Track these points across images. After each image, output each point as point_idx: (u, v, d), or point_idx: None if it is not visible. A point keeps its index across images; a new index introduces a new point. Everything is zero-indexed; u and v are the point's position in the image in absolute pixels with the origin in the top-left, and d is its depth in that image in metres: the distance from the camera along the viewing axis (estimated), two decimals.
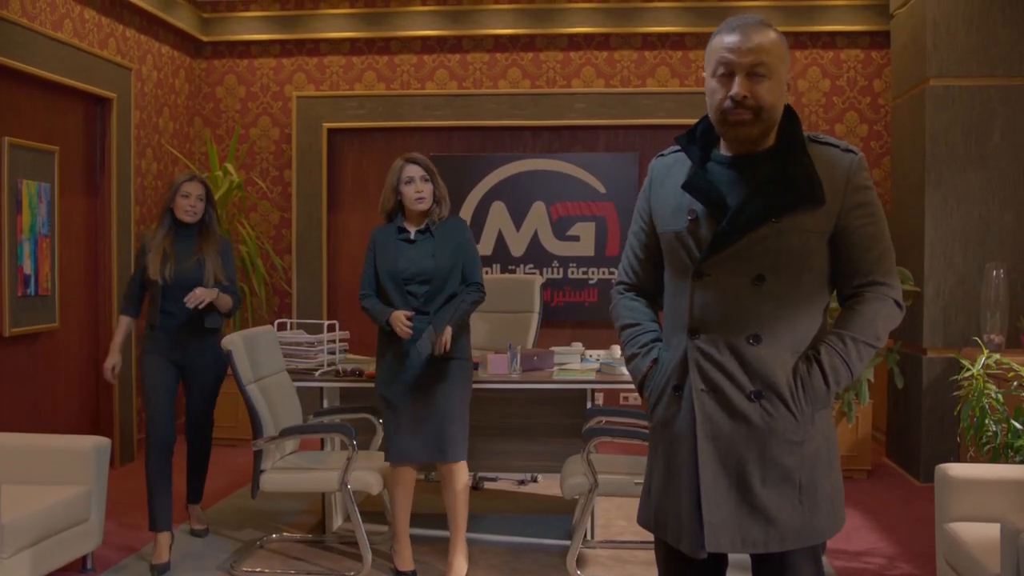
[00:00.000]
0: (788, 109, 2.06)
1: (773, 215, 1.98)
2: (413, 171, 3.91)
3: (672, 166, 2.17)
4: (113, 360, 4.43)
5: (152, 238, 4.34)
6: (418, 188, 3.89)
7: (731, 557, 2.20)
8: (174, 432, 4.28)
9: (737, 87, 1.97)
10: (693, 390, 2.04)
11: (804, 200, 1.99)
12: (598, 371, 4.59)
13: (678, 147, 2.17)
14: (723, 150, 2.09)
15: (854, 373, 2.03)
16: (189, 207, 4.32)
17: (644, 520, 2.21)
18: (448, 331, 3.83)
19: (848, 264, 2.06)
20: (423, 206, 3.91)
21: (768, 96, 1.98)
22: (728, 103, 1.98)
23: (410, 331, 3.82)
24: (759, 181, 2.01)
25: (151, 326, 4.32)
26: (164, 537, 4.14)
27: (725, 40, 2.00)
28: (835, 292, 2.15)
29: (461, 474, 3.95)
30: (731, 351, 2.02)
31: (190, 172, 4.57)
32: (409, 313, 3.84)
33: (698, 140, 2.11)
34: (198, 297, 4.20)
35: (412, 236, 3.94)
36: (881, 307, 2.05)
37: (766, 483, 2.01)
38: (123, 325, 4.45)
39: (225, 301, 4.34)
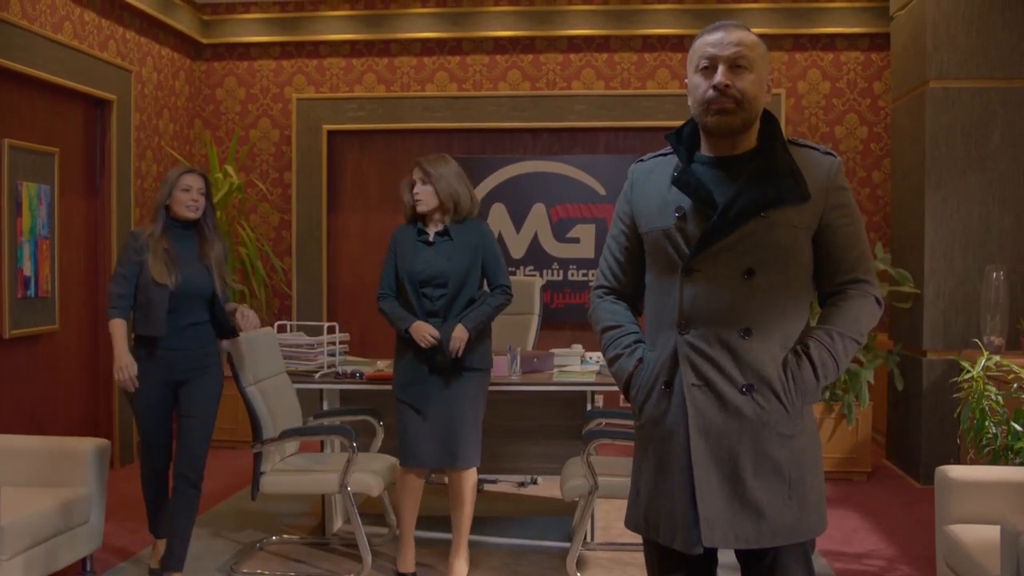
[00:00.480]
0: (767, 113, 2.11)
1: (762, 209, 2.02)
2: (414, 174, 3.93)
3: (653, 170, 2.21)
4: (128, 359, 3.80)
5: (149, 235, 3.83)
6: (415, 191, 3.91)
7: (721, 558, 2.21)
8: (171, 453, 4.01)
9: (720, 76, 2.02)
10: (684, 385, 2.05)
11: (791, 195, 2.03)
12: (598, 373, 4.58)
13: (657, 153, 2.23)
14: (705, 151, 2.12)
15: (840, 368, 2.08)
16: (191, 201, 3.82)
17: (633, 522, 2.21)
18: (461, 328, 3.81)
19: (831, 262, 2.12)
20: (421, 208, 3.92)
21: (750, 87, 2.03)
22: (711, 92, 2.02)
23: (433, 342, 3.81)
24: (745, 178, 2.05)
25: (152, 338, 3.81)
26: (162, 543, 4.10)
27: (707, 38, 2.07)
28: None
29: (470, 480, 3.95)
30: (722, 345, 2.03)
31: (187, 165, 4.34)
32: (437, 332, 3.82)
33: (684, 141, 2.15)
34: (255, 324, 3.93)
35: (431, 238, 3.94)
36: (864, 304, 2.11)
37: (758, 475, 2.03)
38: (122, 328, 3.81)
39: None
